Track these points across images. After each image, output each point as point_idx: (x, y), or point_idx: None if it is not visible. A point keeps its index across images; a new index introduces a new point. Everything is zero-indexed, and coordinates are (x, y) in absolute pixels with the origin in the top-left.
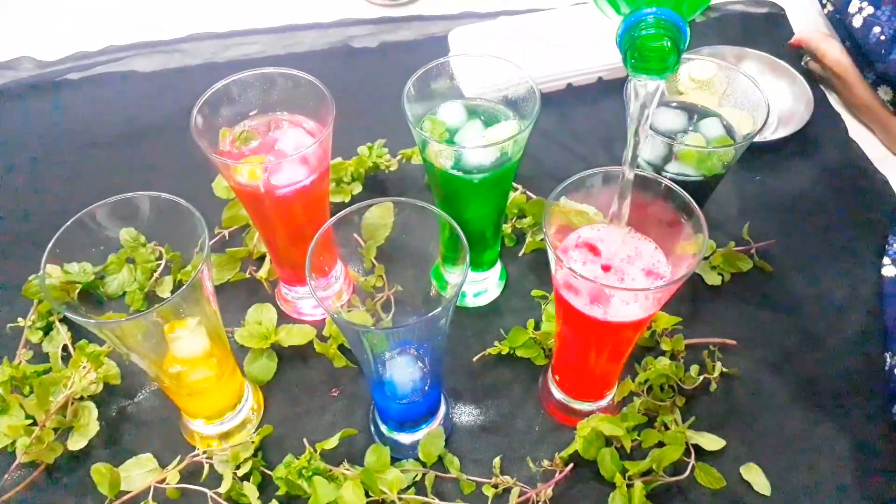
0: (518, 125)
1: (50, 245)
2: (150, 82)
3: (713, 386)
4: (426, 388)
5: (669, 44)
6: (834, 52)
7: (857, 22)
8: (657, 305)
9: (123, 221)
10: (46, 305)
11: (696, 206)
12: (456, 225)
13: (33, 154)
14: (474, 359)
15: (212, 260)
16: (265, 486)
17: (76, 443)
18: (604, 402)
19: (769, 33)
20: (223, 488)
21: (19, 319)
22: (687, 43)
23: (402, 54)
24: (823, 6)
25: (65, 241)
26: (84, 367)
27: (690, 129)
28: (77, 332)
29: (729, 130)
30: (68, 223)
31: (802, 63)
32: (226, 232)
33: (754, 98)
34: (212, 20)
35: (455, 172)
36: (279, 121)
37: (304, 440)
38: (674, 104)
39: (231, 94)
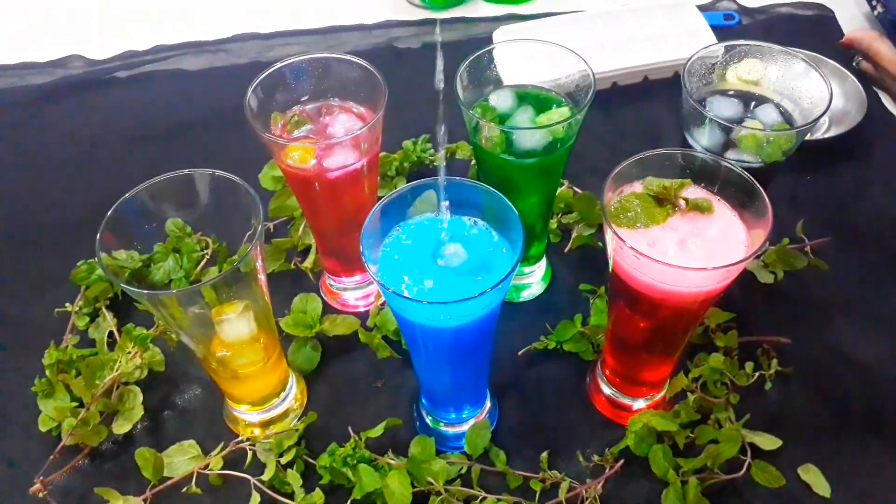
0: (570, 111)
1: (107, 217)
2: (196, 81)
3: (768, 385)
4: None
5: None
6: (888, 52)
7: None
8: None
9: (177, 199)
10: (94, 291)
11: (761, 189)
12: (507, 200)
13: (81, 149)
14: (520, 352)
15: None
16: (308, 476)
17: (121, 427)
18: (655, 399)
19: (817, 34)
20: (266, 476)
21: (67, 305)
22: None
23: (445, 55)
24: (873, 8)
25: (121, 216)
26: (130, 352)
27: (748, 115)
28: (123, 319)
29: (787, 117)
30: (125, 196)
31: (853, 64)
32: (271, 224)
33: (809, 87)
34: (257, 22)
35: (506, 157)
36: (330, 106)
37: (349, 428)
38: (730, 92)
39: (284, 77)
